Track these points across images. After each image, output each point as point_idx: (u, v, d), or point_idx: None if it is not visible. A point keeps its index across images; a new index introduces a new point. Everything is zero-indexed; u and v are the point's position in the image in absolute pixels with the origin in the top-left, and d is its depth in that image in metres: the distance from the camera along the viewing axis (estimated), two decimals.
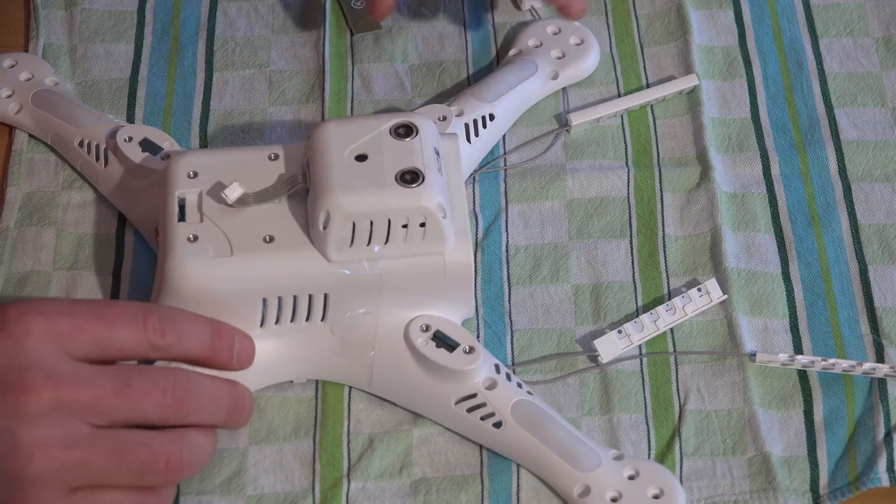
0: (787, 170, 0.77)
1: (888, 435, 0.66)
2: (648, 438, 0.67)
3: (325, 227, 0.63)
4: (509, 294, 0.72)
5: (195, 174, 0.66)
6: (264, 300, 0.64)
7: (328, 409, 0.68)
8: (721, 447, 0.67)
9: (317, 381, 0.69)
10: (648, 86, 0.80)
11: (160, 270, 0.64)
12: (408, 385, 0.66)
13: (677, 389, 0.69)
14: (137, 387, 0.55)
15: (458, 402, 0.65)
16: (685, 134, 0.78)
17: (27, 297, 0.58)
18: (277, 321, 0.65)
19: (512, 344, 0.70)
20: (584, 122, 0.77)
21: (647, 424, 0.68)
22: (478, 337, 0.70)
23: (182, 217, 0.65)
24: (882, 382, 0.68)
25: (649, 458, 0.67)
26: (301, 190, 0.65)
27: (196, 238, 0.63)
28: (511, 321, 0.71)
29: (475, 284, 0.71)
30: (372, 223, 0.63)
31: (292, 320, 0.65)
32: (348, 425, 0.67)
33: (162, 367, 0.58)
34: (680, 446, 0.67)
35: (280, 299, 0.64)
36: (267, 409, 0.68)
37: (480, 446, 0.67)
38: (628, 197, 0.76)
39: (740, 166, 0.77)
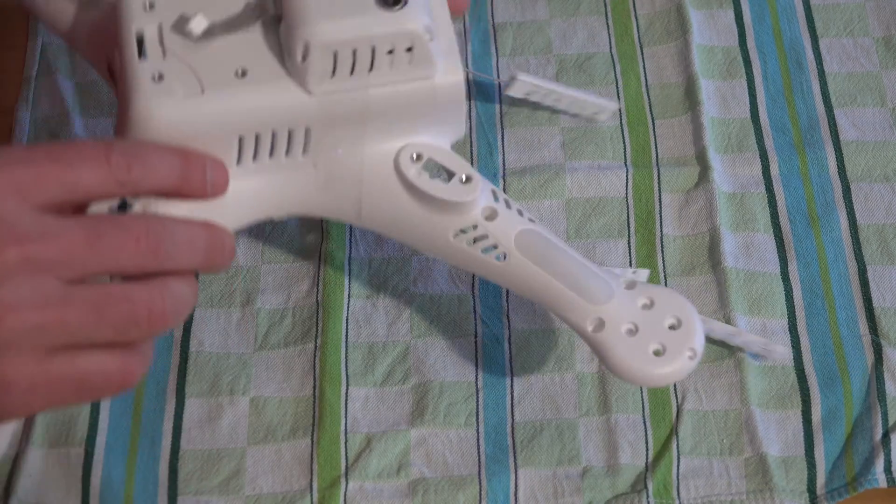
0: (787, 170, 0.77)
1: (886, 436, 0.66)
2: (646, 438, 0.67)
3: (304, 59, 0.56)
4: (507, 294, 0.72)
5: (151, 5, 0.58)
6: (240, 138, 0.58)
7: (325, 409, 0.68)
8: (718, 447, 0.67)
9: (314, 381, 0.69)
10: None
11: (123, 115, 0.57)
12: (401, 219, 0.61)
13: (675, 389, 0.69)
14: (109, 236, 0.50)
15: (456, 236, 0.61)
16: (684, 134, 0.78)
17: None
18: (255, 158, 0.58)
19: (510, 343, 0.70)
20: (526, 83, 0.76)
21: (645, 424, 0.68)
22: (475, 336, 0.70)
23: (143, 54, 0.58)
24: (880, 383, 0.68)
25: (647, 459, 0.67)
26: (271, 17, 0.58)
27: (161, 77, 0.56)
28: (509, 321, 0.71)
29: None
30: (355, 51, 0.57)
31: (271, 156, 0.59)
32: (345, 424, 0.68)
33: (133, 215, 0.53)
34: (677, 446, 0.67)
35: (258, 136, 0.58)
36: (265, 408, 0.68)
37: (478, 447, 0.67)
38: (627, 197, 0.76)
39: (739, 166, 0.77)
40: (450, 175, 0.60)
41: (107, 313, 0.50)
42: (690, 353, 0.59)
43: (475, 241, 0.60)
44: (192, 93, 0.56)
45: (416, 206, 0.60)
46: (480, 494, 0.66)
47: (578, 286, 0.60)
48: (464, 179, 0.60)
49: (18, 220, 0.49)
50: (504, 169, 0.76)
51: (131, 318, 0.51)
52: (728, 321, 0.70)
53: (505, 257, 0.60)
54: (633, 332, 0.59)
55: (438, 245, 0.61)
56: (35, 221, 0.49)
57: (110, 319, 0.50)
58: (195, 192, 0.55)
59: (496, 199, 0.61)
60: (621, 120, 0.79)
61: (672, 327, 0.60)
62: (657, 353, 0.59)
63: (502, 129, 0.78)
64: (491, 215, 0.60)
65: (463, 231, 0.60)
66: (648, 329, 0.59)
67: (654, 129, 0.79)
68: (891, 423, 0.67)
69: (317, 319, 0.71)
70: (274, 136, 0.58)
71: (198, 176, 0.55)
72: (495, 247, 0.60)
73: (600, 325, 0.59)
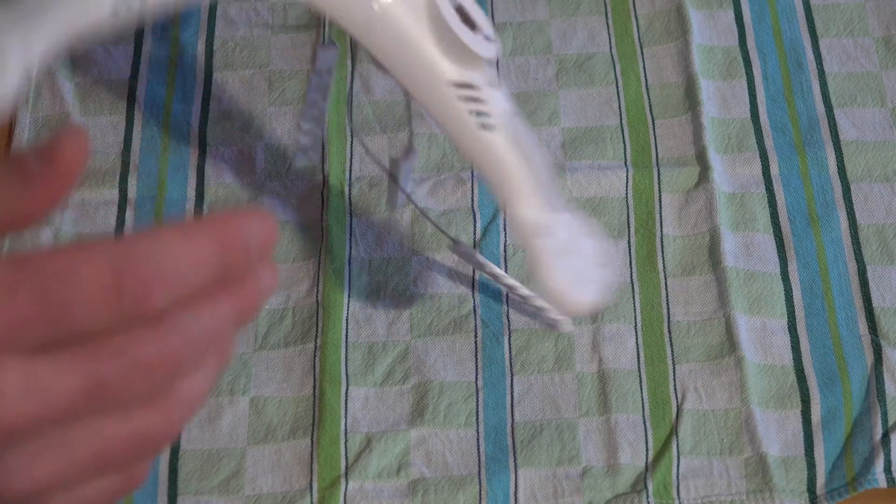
0: (787, 170, 0.77)
1: (885, 436, 0.66)
2: (646, 438, 0.67)
3: None
4: (507, 294, 0.72)
5: None
6: None
7: (325, 409, 0.68)
8: (718, 447, 0.67)
9: (314, 381, 0.69)
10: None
11: None
12: (407, 46, 0.56)
13: (675, 389, 0.69)
14: (113, 380, 0.40)
15: (452, 87, 0.57)
16: (684, 134, 0.78)
17: None
18: None
19: (510, 344, 0.70)
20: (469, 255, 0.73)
21: (645, 424, 0.68)
22: (475, 336, 0.71)
23: None
24: (880, 383, 0.68)
25: (647, 459, 0.67)
26: None
27: None
28: (509, 321, 0.71)
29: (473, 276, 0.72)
30: None
31: None
32: (345, 424, 0.68)
33: (146, 329, 0.40)
34: (677, 445, 0.67)
35: None
36: (265, 408, 0.68)
37: (478, 447, 0.67)
38: (627, 197, 0.76)
39: (739, 166, 0.77)
40: (473, 27, 0.57)
41: (110, 458, 0.42)
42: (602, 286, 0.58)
43: (469, 100, 0.57)
44: None
45: (429, 39, 0.57)
46: (480, 494, 0.66)
47: (542, 186, 0.58)
48: (488, 37, 0.57)
49: (5, 386, 0.39)
50: None
51: (138, 453, 0.43)
52: (728, 321, 0.70)
53: (491, 129, 0.58)
54: (569, 252, 0.58)
55: (429, 89, 0.57)
56: (17, 376, 0.39)
57: (114, 463, 0.42)
58: (239, 274, 0.42)
59: (499, 73, 0.58)
60: (621, 120, 0.79)
61: (593, 255, 0.59)
62: (581, 278, 0.58)
63: None
64: (493, 83, 0.58)
65: (460, 85, 0.57)
66: (580, 253, 0.58)
67: (654, 129, 0.79)
68: (890, 423, 0.67)
69: (317, 319, 0.71)
70: None
71: (242, 258, 0.41)
72: (486, 114, 0.58)
73: (547, 232, 0.58)
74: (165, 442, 0.42)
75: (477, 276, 0.73)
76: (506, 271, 0.73)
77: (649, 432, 0.67)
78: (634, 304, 0.72)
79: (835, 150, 0.77)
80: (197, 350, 0.41)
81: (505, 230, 0.74)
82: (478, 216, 0.75)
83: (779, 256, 0.73)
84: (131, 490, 0.45)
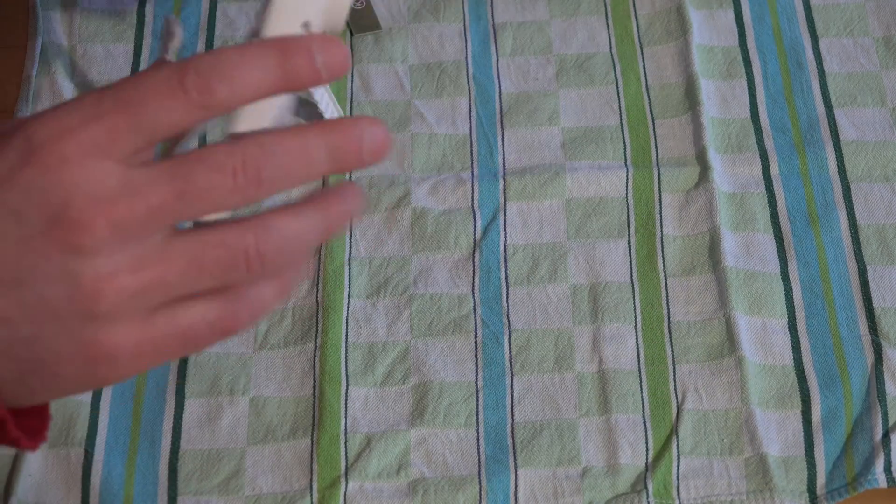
0: (787, 170, 0.77)
1: (886, 436, 0.66)
2: (646, 438, 0.67)
3: None
4: (507, 294, 0.72)
5: None
6: None
7: (325, 409, 0.68)
8: (718, 447, 0.67)
9: (313, 381, 0.69)
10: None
11: None
12: None
13: (675, 389, 0.69)
14: (200, 181, 0.46)
15: None
16: (684, 134, 0.78)
17: (41, 111, 0.47)
18: None
19: (510, 344, 0.70)
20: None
21: (645, 424, 0.68)
22: (475, 336, 0.70)
23: None
24: (880, 383, 0.68)
25: (647, 459, 0.67)
26: None
27: None
28: (509, 321, 0.71)
29: (473, 284, 0.72)
30: None
31: None
32: (345, 425, 0.68)
33: (226, 144, 0.47)
34: (677, 445, 0.67)
35: None
36: (265, 409, 0.68)
37: (478, 447, 0.67)
38: (627, 197, 0.76)
39: (739, 166, 0.77)
40: None
41: (206, 265, 0.47)
42: None
43: None
44: None
45: None
46: (480, 494, 0.66)
47: None
48: None
49: (102, 185, 0.45)
50: (504, 169, 0.76)
51: (229, 264, 0.47)
52: (728, 320, 0.70)
53: None
54: None
55: None
56: (119, 180, 0.46)
57: (209, 270, 0.47)
58: (305, 83, 0.48)
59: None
60: (621, 120, 0.79)
61: None
62: None
63: (502, 129, 0.78)
64: None
65: None
66: None
67: (654, 129, 0.79)
68: (891, 422, 0.67)
69: (317, 320, 0.71)
70: None
71: (304, 64, 0.48)
72: None
73: None
74: (258, 261, 0.47)
75: (477, 277, 0.73)
76: (506, 270, 0.73)
77: (649, 432, 0.67)
78: (634, 304, 0.72)
79: (835, 150, 0.77)
80: (280, 166, 0.47)
81: (505, 230, 0.74)
82: (478, 216, 0.75)
83: (779, 256, 0.73)
84: (229, 330, 0.49)
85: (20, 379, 0.47)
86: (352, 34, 0.82)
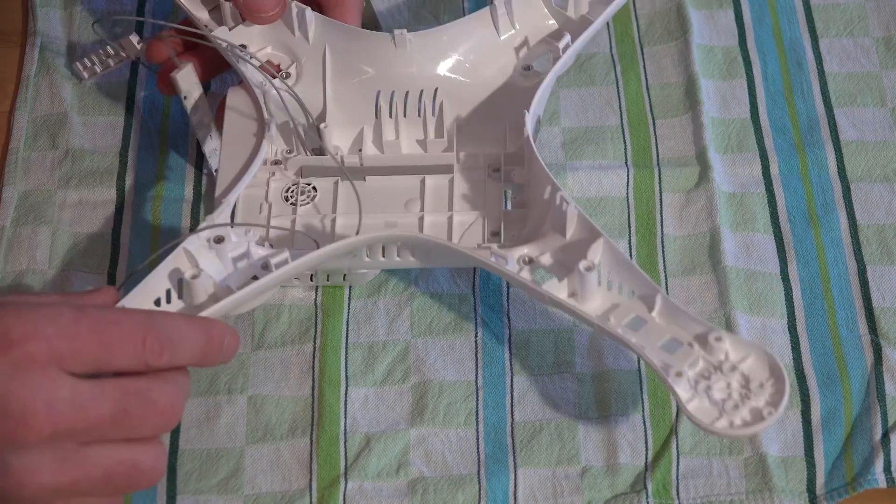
0: (787, 170, 0.77)
1: (885, 436, 0.66)
2: (645, 438, 0.67)
3: None
4: (507, 293, 0.72)
5: None
6: None
7: (325, 408, 0.68)
8: (718, 447, 0.67)
9: (312, 380, 0.69)
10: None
11: None
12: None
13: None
14: (135, 413, 0.55)
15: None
16: (684, 134, 0.78)
17: (24, 302, 0.56)
18: None
19: (510, 343, 0.70)
20: None
21: (644, 424, 0.67)
22: (475, 336, 0.70)
23: None
24: (880, 383, 0.68)
25: (646, 458, 0.66)
26: None
27: None
28: (509, 321, 0.71)
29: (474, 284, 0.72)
30: None
31: None
32: (345, 424, 0.67)
33: (159, 380, 0.57)
34: (677, 445, 0.66)
35: None
36: (264, 408, 0.68)
37: (478, 447, 0.67)
38: (627, 197, 0.75)
39: (739, 166, 0.77)
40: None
41: (114, 480, 0.55)
42: None
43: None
44: None
45: None
46: (480, 494, 0.66)
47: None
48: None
49: (54, 393, 0.53)
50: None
51: (134, 481, 0.56)
52: (728, 320, 0.70)
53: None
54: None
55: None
56: (69, 392, 0.53)
57: (116, 485, 0.56)
58: (210, 365, 0.60)
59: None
60: (622, 120, 0.79)
61: None
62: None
63: None
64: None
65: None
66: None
67: (654, 129, 0.79)
68: (890, 423, 0.67)
69: (316, 320, 0.71)
70: None
71: (216, 353, 0.59)
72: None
73: None
74: (157, 478, 0.57)
75: (477, 277, 0.73)
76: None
77: (649, 432, 0.67)
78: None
79: (835, 150, 0.77)
80: (182, 404, 0.57)
81: None
82: None
83: (779, 256, 0.73)
84: (149, 474, 0.57)
85: None
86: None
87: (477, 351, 0.70)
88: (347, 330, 0.71)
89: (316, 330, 0.70)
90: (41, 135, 0.78)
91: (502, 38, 0.73)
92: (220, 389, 0.69)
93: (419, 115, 0.71)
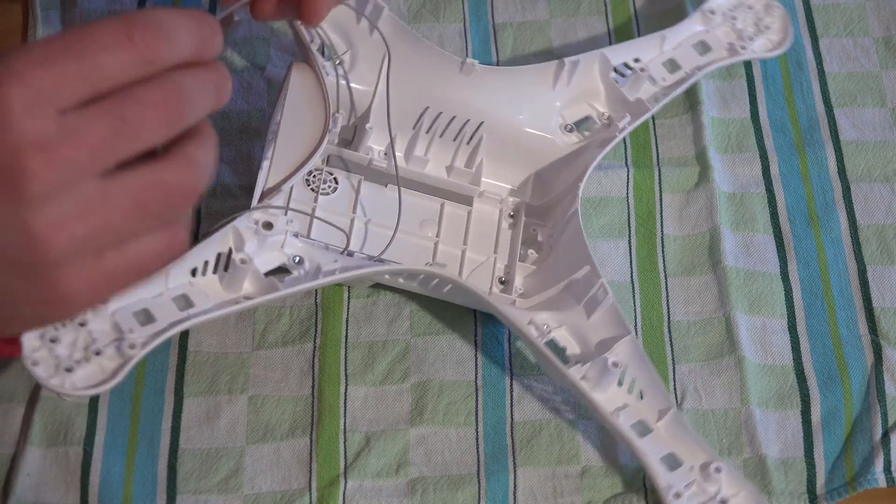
0: (787, 170, 0.77)
1: (885, 435, 0.66)
2: None
3: None
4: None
5: None
6: None
7: (324, 408, 0.68)
8: (717, 447, 0.67)
9: (312, 380, 0.69)
10: None
11: None
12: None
13: (675, 388, 0.69)
14: (132, 117, 0.48)
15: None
16: (684, 134, 0.78)
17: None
18: None
19: (509, 343, 0.70)
20: None
21: None
22: (475, 335, 0.70)
23: None
24: (880, 383, 0.68)
25: None
26: None
27: None
28: None
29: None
30: None
31: None
32: (344, 423, 0.67)
33: (146, 82, 0.49)
34: None
35: None
36: (264, 407, 0.68)
37: (477, 447, 0.67)
38: (627, 196, 0.75)
39: (739, 166, 0.77)
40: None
41: (147, 205, 0.50)
42: None
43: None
44: None
45: None
46: (479, 493, 0.66)
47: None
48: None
49: (44, 132, 0.47)
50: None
51: (168, 202, 0.51)
52: (728, 320, 0.70)
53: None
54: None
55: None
56: (60, 126, 0.47)
57: (151, 209, 0.50)
58: (210, 56, 0.53)
59: None
60: None
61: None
62: None
63: None
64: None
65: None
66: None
67: (654, 129, 0.79)
68: (890, 422, 0.67)
69: (315, 321, 0.71)
70: None
71: (211, 38, 0.53)
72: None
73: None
74: (192, 195, 0.51)
75: None
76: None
77: None
78: (634, 303, 0.72)
79: (835, 150, 0.77)
80: (191, 100, 0.50)
81: None
82: None
83: (779, 256, 0.73)
84: (176, 254, 0.53)
85: None
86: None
87: (476, 351, 0.70)
88: (347, 329, 0.71)
89: (316, 329, 0.70)
90: None
91: (556, 91, 0.73)
92: (220, 389, 0.69)
93: (454, 140, 0.72)
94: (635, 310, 0.71)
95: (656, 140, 0.78)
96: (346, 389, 0.69)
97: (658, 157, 0.77)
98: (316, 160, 0.67)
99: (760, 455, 0.66)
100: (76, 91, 0.48)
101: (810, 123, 0.79)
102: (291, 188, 0.69)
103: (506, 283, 0.69)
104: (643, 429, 0.63)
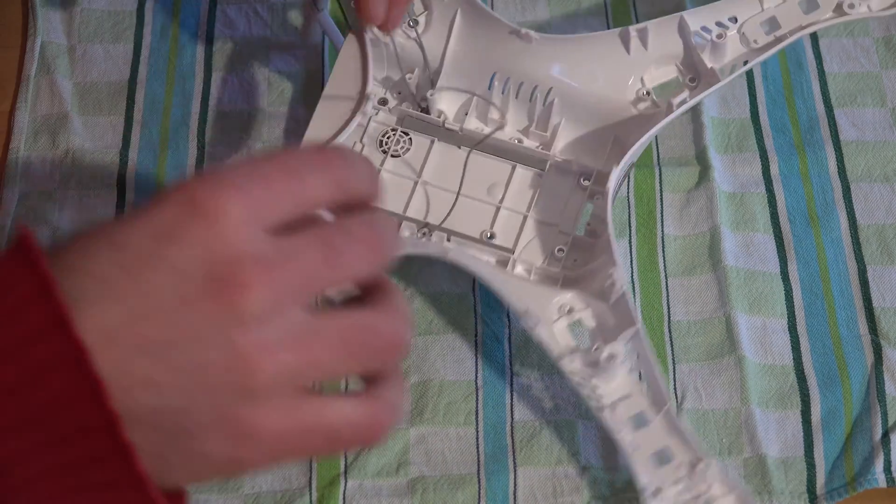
0: (787, 170, 0.77)
1: (885, 435, 0.66)
2: None
3: None
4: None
5: None
6: None
7: None
8: (717, 446, 0.67)
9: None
10: None
11: None
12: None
13: (675, 388, 0.69)
14: (340, 246, 0.46)
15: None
16: (685, 134, 0.78)
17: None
18: None
19: (510, 343, 0.70)
20: None
21: None
22: (475, 335, 0.70)
23: None
24: (880, 383, 0.68)
25: None
26: None
27: None
28: (509, 320, 0.71)
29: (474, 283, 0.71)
30: None
31: None
32: None
33: (352, 217, 0.48)
34: None
35: None
36: None
37: (477, 446, 0.67)
38: (628, 196, 0.75)
39: (740, 166, 0.77)
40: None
41: (353, 344, 0.47)
42: None
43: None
44: None
45: None
46: (479, 493, 0.66)
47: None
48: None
49: (260, 250, 0.44)
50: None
51: (375, 348, 0.47)
52: (728, 320, 0.70)
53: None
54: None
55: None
56: (273, 247, 0.45)
57: (355, 354, 0.47)
58: (377, 199, 0.51)
59: None
60: None
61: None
62: None
63: None
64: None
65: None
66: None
67: None
68: (890, 423, 0.67)
69: None
70: None
71: (378, 182, 0.51)
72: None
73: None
74: (399, 346, 0.47)
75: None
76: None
77: None
78: (635, 303, 0.71)
79: (835, 150, 0.77)
80: (385, 241, 0.48)
81: None
82: None
83: (779, 256, 0.73)
84: (375, 438, 0.48)
85: (160, 454, 0.45)
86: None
87: (477, 350, 0.70)
88: None
89: None
90: (41, 135, 0.78)
91: (632, 56, 0.73)
92: None
93: (529, 101, 0.72)
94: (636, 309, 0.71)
95: (656, 140, 0.78)
96: (346, 389, 0.68)
97: (658, 156, 0.77)
98: (353, 126, 0.68)
99: (760, 455, 0.66)
100: (284, 210, 0.46)
101: (810, 123, 0.79)
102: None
103: (555, 255, 0.68)
104: (640, 421, 0.62)
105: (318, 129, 0.69)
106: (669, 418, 0.62)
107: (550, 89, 0.72)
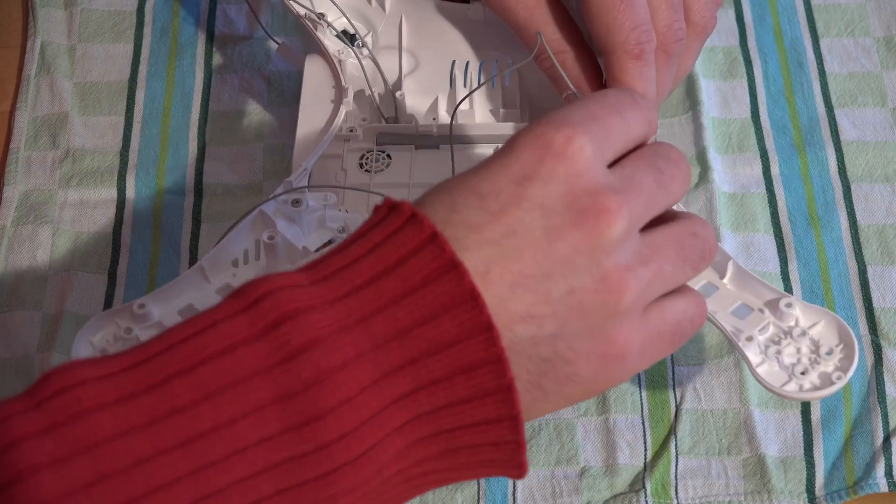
0: (787, 170, 0.77)
1: (886, 440, 0.66)
2: (644, 439, 0.67)
3: None
4: None
5: None
6: None
7: None
8: (717, 447, 0.66)
9: None
10: None
11: None
12: None
13: (674, 389, 0.68)
14: (664, 169, 0.51)
15: None
16: (685, 134, 0.78)
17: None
18: None
19: None
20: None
21: (644, 425, 0.67)
22: None
23: None
24: (880, 384, 0.68)
25: (645, 458, 0.66)
26: None
27: None
28: None
29: None
30: None
31: None
32: None
33: (651, 146, 0.53)
34: (675, 445, 0.66)
35: None
36: None
37: None
38: None
39: (740, 166, 0.77)
40: None
41: (687, 254, 0.51)
42: None
43: None
44: None
45: None
46: (479, 494, 0.66)
47: None
48: None
49: (611, 181, 0.49)
50: None
51: (702, 252, 0.52)
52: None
53: None
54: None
55: None
56: (616, 178, 0.49)
57: (689, 259, 0.51)
58: (655, 131, 0.55)
59: None
60: None
61: None
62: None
63: None
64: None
65: None
66: None
67: None
68: (891, 425, 0.67)
69: None
70: None
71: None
72: None
73: None
74: (715, 247, 0.53)
75: None
76: None
77: (648, 432, 0.67)
78: None
79: (835, 150, 0.77)
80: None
81: None
82: None
83: (779, 256, 0.73)
84: (703, 320, 0.54)
85: (535, 382, 0.48)
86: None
87: None
88: None
89: None
90: (41, 135, 0.78)
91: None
92: None
93: (493, 86, 0.72)
94: None
95: (656, 140, 0.78)
96: None
97: None
98: (334, 132, 0.69)
99: (760, 454, 0.66)
100: (618, 145, 0.50)
101: (811, 123, 0.78)
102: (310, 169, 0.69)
103: None
104: (709, 289, 0.63)
105: (301, 148, 0.70)
106: (738, 272, 0.63)
107: (510, 62, 0.72)
